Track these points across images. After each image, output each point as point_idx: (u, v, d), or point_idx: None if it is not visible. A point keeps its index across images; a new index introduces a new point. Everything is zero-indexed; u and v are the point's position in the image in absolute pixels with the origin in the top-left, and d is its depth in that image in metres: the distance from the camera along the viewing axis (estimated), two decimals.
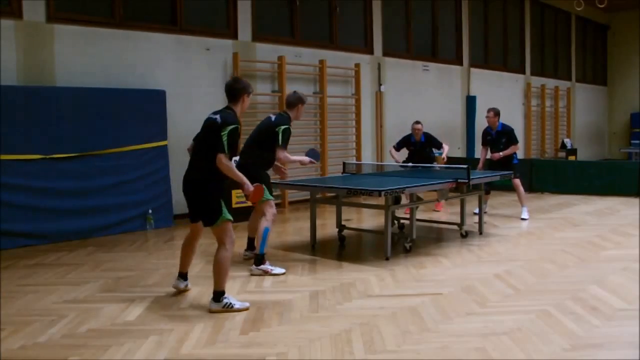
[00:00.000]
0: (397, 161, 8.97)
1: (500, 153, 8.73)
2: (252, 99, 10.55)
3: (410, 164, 8.74)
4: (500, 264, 6.01)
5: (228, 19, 9.73)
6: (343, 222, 7.20)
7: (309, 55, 10.77)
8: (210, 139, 4.54)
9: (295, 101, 6.05)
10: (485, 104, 14.82)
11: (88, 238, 7.49)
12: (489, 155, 9.10)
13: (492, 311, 4.48)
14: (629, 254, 6.33)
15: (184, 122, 8.94)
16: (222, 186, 4.63)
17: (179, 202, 8.84)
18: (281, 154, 5.79)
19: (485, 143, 9.13)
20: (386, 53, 12.41)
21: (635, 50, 20.11)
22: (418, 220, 7.23)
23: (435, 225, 8.27)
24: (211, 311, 4.51)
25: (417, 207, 6.81)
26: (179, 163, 8.77)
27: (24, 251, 6.81)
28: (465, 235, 7.37)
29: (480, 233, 7.60)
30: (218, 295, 4.57)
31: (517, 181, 8.70)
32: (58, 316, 4.47)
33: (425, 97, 13.39)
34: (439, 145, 8.98)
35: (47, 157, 7.26)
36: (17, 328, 4.21)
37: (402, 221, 7.87)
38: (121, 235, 7.71)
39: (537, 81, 17.29)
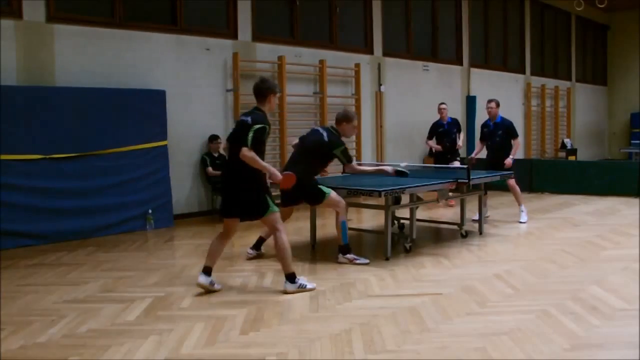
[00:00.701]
0: (435, 149, 9.81)
1: (510, 157, 8.45)
2: (251, 99, 10.58)
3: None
4: (500, 264, 6.01)
5: (228, 19, 9.73)
6: None
7: (309, 55, 10.77)
8: (240, 139, 4.83)
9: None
10: (486, 104, 14.91)
11: (88, 238, 7.49)
12: (481, 155, 9.07)
13: (492, 311, 4.48)
14: (629, 254, 6.33)
15: (184, 122, 8.96)
16: (264, 181, 4.98)
17: (179, 202, 8.88)
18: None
19: (483, 136, 9.00)
20: (386, 53, 12.41)
21: (635, 50, 20.09)
22: (418, 220, 7.22)
23: (435, 225, 8.27)
24: (287, 292, 4.94)
25: (417, 207, 6.81)
26: (179, 163, 8.81)
27: (24, 251, 6.81)
28: (465, 235, 7.37)
29: (480, 233, 7.60)
30: (291, 277, 5.00)
31: (512, 181, 8.42)
32: (58, 316, 4.47)
33: (425, 97, 13.37)
34: (514, 136, 8.71)
35: (47, 157, 7.26)
36: (17, 328, 4.21)
37: (402, 221, 7.86)
38: (121, 235, 7.71)
39: (537, 81, 17.28)
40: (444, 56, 14.09)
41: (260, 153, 4.89)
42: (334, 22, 11.36)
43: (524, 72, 16.96)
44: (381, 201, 6.32)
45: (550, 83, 17.89)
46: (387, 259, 6.15)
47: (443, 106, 10.09)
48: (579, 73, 19.93)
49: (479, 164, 8.95)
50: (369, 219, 8.96)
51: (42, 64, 7.58)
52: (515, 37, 16.73)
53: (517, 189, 8.61)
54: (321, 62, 10.80)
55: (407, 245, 6.58)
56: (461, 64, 14.62)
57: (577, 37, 19.71)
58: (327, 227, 8.08)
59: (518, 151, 8.89)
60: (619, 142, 20.76)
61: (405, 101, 12.88)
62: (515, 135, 8.68)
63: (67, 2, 7.92)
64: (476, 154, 9.11)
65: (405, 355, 3.67)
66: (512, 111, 16.25)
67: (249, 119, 4.91)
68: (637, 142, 18.16)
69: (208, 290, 4.97)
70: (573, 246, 6.80)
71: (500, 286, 5.16)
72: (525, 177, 11.44)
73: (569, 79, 19.38)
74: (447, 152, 9.95)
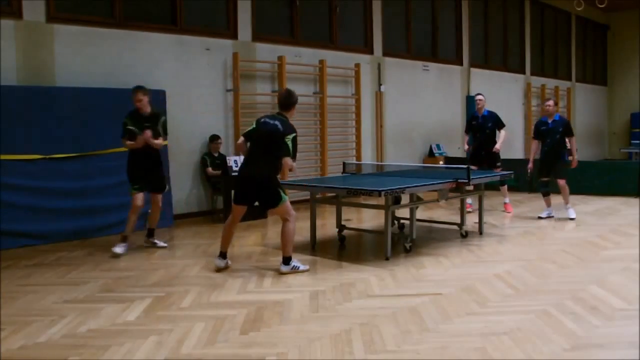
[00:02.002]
0: (466, 146, 9.47)
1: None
2: (251, 99, 10.64)
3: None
4: (500, 264, 6.01)
5: (228, 19, 9.73)
6: (343, 222, 7.20)
7: (309, 55, 10.77)
8: (275, 143, 5.53)
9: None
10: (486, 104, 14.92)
11: (88, 238, 7.49)
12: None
13: (492, 311, 4.48)
14: (629, 254, 6.33)
15: (184, 122, 8.96)
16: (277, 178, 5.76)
17: (179, 202, 8.88)
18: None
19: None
20: (386, 53, 12.41)
21: (635, 50, 20.11)
22: (418, 220, 7.22)
23: (435, 225, 8.26)
24: (282, 273, 5.58)
25: (417, 207, 6.81)
26: (179, 163, 8.81)
27: (24, 251, 6.81)
28: (465, 235, 7.37)
29: (480, 233, 7.60)
30: (287, 259, 5.65)
31: (563, 182, 8.57)
32: (58, 316, 4.47)
33: (425, 97, 13.39)
34: (501, 126, 9.19)
35: (47, 157, 7.27)
36: (17, 328, 4.21)
37: (402, 221, 7.87)
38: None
39: (537, 81, 17.29)
40: (444, 56, 14.10)
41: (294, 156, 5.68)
42: (334, 22, 11.36)
43: (524, 72, 16.96)
44: (381, 201, 6.32)
45: (550, 83, 17.90)
46: (387, 259, 6.15)
47: (479, 97, 9.32)
48: (579, 73, 19.93)
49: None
50: (369, 219, 8.96)
51: (42, 64, 7.58)
52: (515, 37, 16.74)
53: (567, 188, 8.67)
54: (321, 62, 10.80)
55: (407, 245, 6.58)
56: (461, 64, 14.63)
57: (577, 37, 19.72)
58: (327, 227, 8.08)
59: (516, 149, 9.19)
60: (619, 142, 20.77)
61: (405, 101, 12.89)
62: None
63: (67, 2, 7.92)
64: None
65: (405, 355, 3.67)
66: (512, 111, 16.30)
67: (277, 124, 5.57)
68: (637, 142, 18.16)
69: (222, 269, 5.78)
70: (573, 246, 6.80)
71: (500, 286, 5.16)
72: (525, 177, 11.42)
73: (569, 79, 19.38)
74: (480, 149, 9.29)
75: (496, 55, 16.01)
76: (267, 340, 3.94)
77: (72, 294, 5.06)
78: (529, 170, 8.96)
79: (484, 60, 15.51)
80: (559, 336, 3.92)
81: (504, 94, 15.96)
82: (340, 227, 7.15)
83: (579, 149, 17.68)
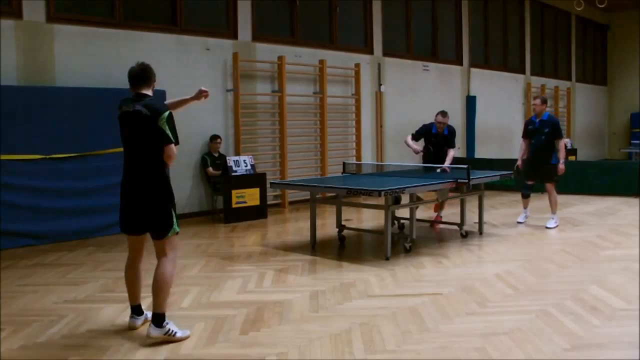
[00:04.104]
0: (415, 150, 7.94)
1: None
2: (251, 99, 10.61)
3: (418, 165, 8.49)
4: (500, 264, 6.01)
5: (228, 19, 9.73)
6: (343, 222, 7.21)
7: (309, 55, 10.77)
8: (146, 135, 3.99)
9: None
10: (486, 104, 14.94)
11: (88, 238, 7.49)
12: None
13: (492, 311, 4.48)
14: (629, 254, 6.33)
15: (184, 122, 8.93)
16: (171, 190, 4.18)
17: (179, 202, 8.84)
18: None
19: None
20: (386, 53, 12.41)
21: (635, 50, 20.10)
22: (418, 220, 7.22)
23: (435, 225, 8.25)
24: (150, 337, 3.87)
25: (417, 207, 6.81)
26: (179, 163, 8.80)
27: (24, 251, 6.81)
28: (465, 235, 7.37)
29: (480, 233, 7.60)
30: (159, 318, 3.91)
31: (550, 186, 8.10)
32: (58, 316, 4.47)
33: (425, 97, 13.39)
34: (452, 146, 8.14)
35: (47, 157, 7.26)
36: (17, 328, 4.21)
37: (402, 221, 7.87)
38: (121, 235, 7.58)
39: (537, 81, 17.29)
40: (444, 56, 14.10)
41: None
42: (334, 22, 11.36)
43: (524, 72, 16.96)
44: (381, 201, 6.32)
45: (550, 83, 17.90)
46: (387, 259, 6.15)
47: (444, 120, 8.13)
48: (579, 73, 19.93)
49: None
50: (369, 219, 8.96)
51: (42, 64, 7.58)
52: (515, 37, 16.73)
53: (554, 194, 8.22)
54: (321, 62, 10.80)
55: (407, 245, 6.58)
56: (461, 64, 14.63)
57: (577, 37, 19.71)
58: (327, 227, 8.08)
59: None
60: (619, 142, 20.76)
61: (405, 101, 12.89)
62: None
63: (67, 2, 7.92)
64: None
65: (405, 355, 3.67)
66: (512, 111, 16.30)
67: (143, 110, 3.99)
68: (637, 142, 18.16)
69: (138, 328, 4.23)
70: (573, 246, 6.80)
71: (500, 286, 5.16)
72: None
73: (569, 79, 19.38)
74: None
75: (496, 55, 16.01)
76: (267, 340, 3.94)
77: (72, 294, 5.06)
78: (515, 168, 8.31)
79: (484, 60, 15.51)
80: (559, 336, 3.92)
81: (504, 94, 15.97)
82: (340, 227, 7.15)
83: (579, 149, 17.82)
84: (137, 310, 4.25)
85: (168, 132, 4.00)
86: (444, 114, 8.17)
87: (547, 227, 8.01)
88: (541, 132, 8.02)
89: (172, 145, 4.03)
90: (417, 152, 8.03)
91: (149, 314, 4.17)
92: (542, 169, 8.10)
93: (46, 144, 7.25)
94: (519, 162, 8.37)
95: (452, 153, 8.08)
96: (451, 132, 8.19)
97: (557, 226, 8.07)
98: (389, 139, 12.45)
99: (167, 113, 4.05)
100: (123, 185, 4.16)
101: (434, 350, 3.73)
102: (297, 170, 10.51)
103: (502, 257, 6.37)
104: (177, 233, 4.17)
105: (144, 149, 4.02)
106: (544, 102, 8.20)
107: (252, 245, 7.11)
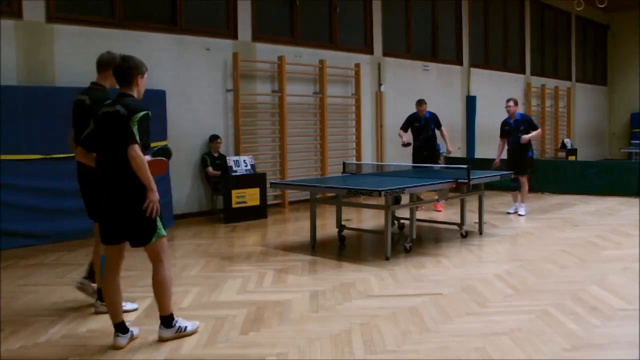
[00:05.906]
0: (404, 142, 9.31)
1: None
2: (251, 99, 10.59)
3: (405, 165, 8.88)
4: (500, 264, 6.01)
5: (228, 19, 9.73)
6: (343, 222, 7.21)
7: (309, 55, 10.77)
8: (119, 137, 3.74)
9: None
10: (486, 104, 14.92)
11: (88, 238, 7.47)
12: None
13: (492, 311, 4.48)
14: (629, 254, 6.33)
15: (184, 122, 8.96)
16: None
17: (179, 202, 8.88)
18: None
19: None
20: (386, 53, 12.41)
21: (635, 50, 20.10)
22: (418, 220, 7.22)
23: (435, 225, 8.26)
24: (163, 339, 3.91)
25: (417, 207, 6.80)
26: (179, 163, 8.80)
27: (24, 251, 6.81)
28: (465, 235, 7.37)
29: (480, 233, 7.60)
30: (168, 320, 3.97)
31: (524, 179, 9.03)
32: (58, 316, 4.47)
33: (425, 97, 13.29)
34: (439, 125, 9.51)
35: (47, 157, 7.26)
36: (17, 328, 4.21)
37: (402, 221, 7.86)
38: None
39: (537, 81, 17.29)
40: (444, 56, 14.10)
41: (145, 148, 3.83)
42: (334, 22, 11.36)
43: (524, 72, 16.96)
44: (381, 201, 6.32)
45: (550, 83, 17.90)
46: (387, 259, 6.15)
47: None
48: (579, 73, 19.93)
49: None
50: (369, 219, 8.96)
51: (42, 64, 7.58)
52: (515, 37, 16.74)
53: (527, 186, 9.16)
54: (321, 62, 10.80)
55: (407, 245, 6.58)
56: (461, 64, 14.63)
57: (577, 37, 19.71)
58: (327, 227, 8.08)
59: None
60: (619, 142, 20.77)
61: (405, 101, 12.84)
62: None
63: (67, 2, 7.92)
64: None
65: (405, 355, 3.67)
66: None
67: (121, 109, 3.75)
68: (637, 142, 18.15)
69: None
70: (573, 246, 6.80)
71: (500, 286, 5.16)
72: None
73: (569, 79, 19.38)
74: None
75: (496, 55, 16.01)
76: (267, 341, 3.94)
77: (72, 294, 5.05)
78: (493, 168, 9.19)
79: (484, 60, 15.51)
80: (559, 336, 3.92)
81: (504, 94, 15.91)
82: (340, 227, 7.15)
83: (579, 149, 17.83)
84: (121, 328, 3.89)
85: (135, 131, 3.69)
86: (420, 102, 9.60)
87: (519, 215, 9.00)
88: (517, 130, 9.01)
89: (135, 145, 3.67)
90: (404, 144, 9.32)
91: (134, 330, 3.98)
92: (520, 162, 8.98)
93: (46, 144, 7.24)
94: (496, 162, 9.36)
95: (444, 130, 9.54)
96: (432, 114, 9.57)
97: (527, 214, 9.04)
98: (389, 139, 12.45)
99: (142, 113, 3.75)
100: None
101: (434, 350, 3.73)
102: (297, 170, 10.51)
103: (502, 257, 6.37)
104: (163, 237, 3.97)
105: (121, 151, 3.71)
106: (517, 103, 9.17)
107: (252, 245, 7.11)
